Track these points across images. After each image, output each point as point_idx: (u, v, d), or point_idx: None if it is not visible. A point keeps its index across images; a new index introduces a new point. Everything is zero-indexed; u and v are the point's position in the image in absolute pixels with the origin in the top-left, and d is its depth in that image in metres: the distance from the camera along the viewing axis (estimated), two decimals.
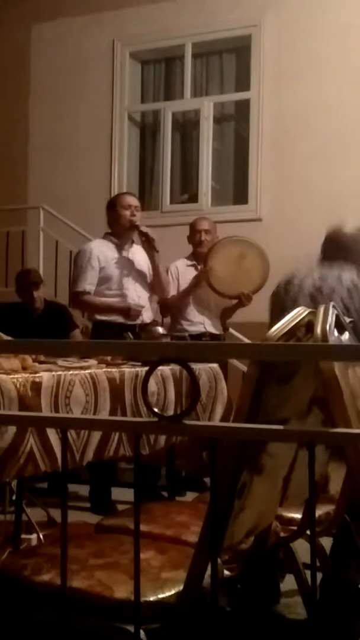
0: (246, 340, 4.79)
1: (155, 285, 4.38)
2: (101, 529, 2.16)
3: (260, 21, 6.39)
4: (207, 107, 6.78)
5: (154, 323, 4.30)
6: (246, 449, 1.44)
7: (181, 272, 4.67)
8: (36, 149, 7.13)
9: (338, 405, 1.42)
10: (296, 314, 1.54)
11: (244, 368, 4.51)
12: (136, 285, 4.27)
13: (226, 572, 1.72)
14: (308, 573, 1.92)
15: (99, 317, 4.29)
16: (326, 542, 2.25)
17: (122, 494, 3.98)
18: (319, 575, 2.08)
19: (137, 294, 4.26)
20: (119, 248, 4.29)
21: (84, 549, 1.84)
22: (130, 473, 4.29)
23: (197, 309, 4.65)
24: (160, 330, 3.46)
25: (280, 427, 1.23)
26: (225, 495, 1.42)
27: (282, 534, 1.94)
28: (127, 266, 4.27)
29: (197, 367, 2.87)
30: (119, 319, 4.18)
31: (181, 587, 1.57)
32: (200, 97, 6.88)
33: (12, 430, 1.93)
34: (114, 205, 4.33)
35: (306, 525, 1.87)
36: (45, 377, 2.10)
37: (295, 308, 1.54)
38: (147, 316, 4.27)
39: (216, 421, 2.96)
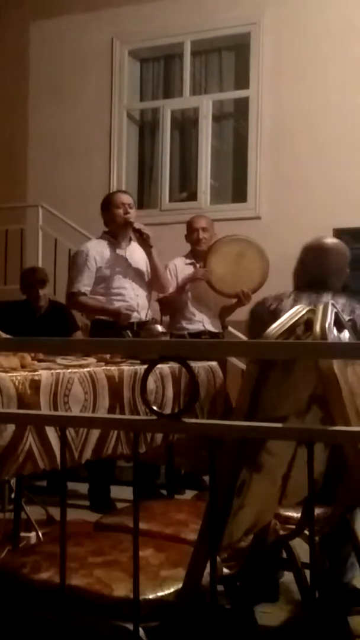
0: (245, 339, 4.79)
1: (154, 282, 4.38)
2: (100, 527, 2.16)
3: (260, 19, 6.39)
4: (206, 105, 6.78)
5: (153, 321, 4.29)
6: (245, 447, 1.44)
7: (180, 270, 4.67)
8: (35, 147, 7.13)
9: (337, 403, 1.42)
10: (295, 312, 1.54)
11: (243, 366, 4.52)
12: (133, 284, 4.27)
13: (225, 570, 1.73)
14: (307, 572, 1.92)
15: (97, 316, 4.30)
16: None
17: (121, 492, 3.98)
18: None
19: (134, 293, 4.26)
20: (116, 247, 4.29)
21: (83, 547, 1.84)
22: (129, 471, 4.30)
23: (196, 307, 4.65)
24: (160, 328, 3.45)
25: (279, 425, 1.22)
26: (224, 493, 1.42)
27: (281, 532, 1.94)
28: (125, 265, 4.26)
29: (196, 365, 2.87)
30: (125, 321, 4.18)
31: (180, 585, 1.57)
32: (199, 95, 6.88)
33: (11, 428, 1.92)
34: (107, 205, 4.33)
35: (305, 524, 1.87)
36: (44, 375, 2.10)
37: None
38: (145, 314, 4.27)
39: (215, 419, 2.96)
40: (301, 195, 6.11)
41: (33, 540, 3.01)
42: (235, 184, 6.88)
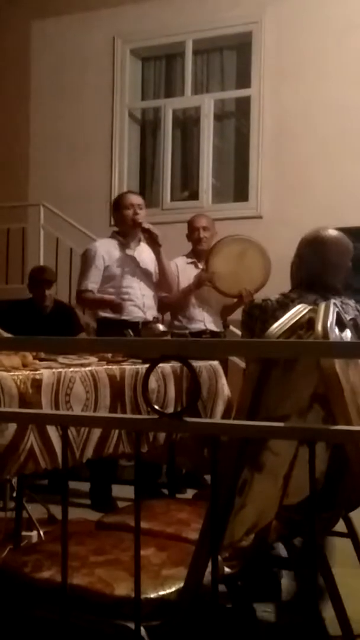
0: None
1: (161, 282, 4.40)
2: (101, 526, 2.17)
3: (261, 18, 6.38)
4: (207, 104, 6.77)
5: (155, 320, 4.30)
6: (247, 447, 1.44)
7: (181, 270, 4.67)
8: (37, 146, 7.13)
9: (339, 402, 1.42)
10: (297, 311, 1.54)
11: (245, 365, 4.52)
12: (141, 284, 4.29)
13: (226, 570, 1.73)
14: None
15: (102, 314, 4.32)
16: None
17: (123, 491, 3.98)
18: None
19: (141, 292, 4.28)
20: (125, 247, 4.32)
21: (85, 546, 1.84)
22: (130, 470, 4.30)
23: (197, 306, 4.66)
24: (161, 327, 3.45)
25: (281, 424, 1.22)
26: (226, 492, 1.42)
27: (282, 532, 1.94)
28: (133, 265, 4.29)
29: (197, 364, 2.87)
30: (122, 316, 4.20)
31: (182, 584, 1.57)
32: (200, 94, 6.87)
33: (12, 427, 1.92)
34: (117, 205, 4.37)
35: (306, 523, 1.87)
36: (46, 374, 2.10)
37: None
38: (151, 314, 4.28)
39: (217, 418, 2.96)
40: (302, 195, 6.10)
41: (34, 539, 3.01)
42: (236, 183, 6.88)
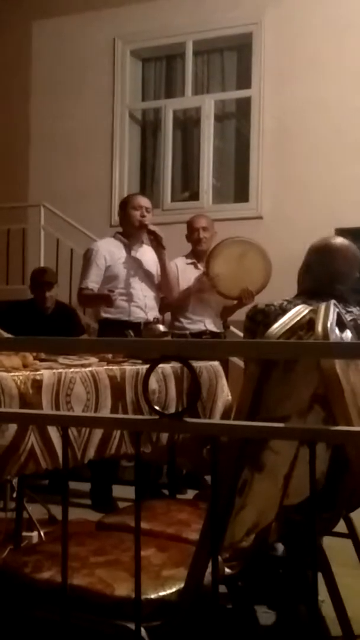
0: None
1: (163, 284, 4.41)
2: (102, 526, 2.17)
3: (261, 19, 6.38)
4: (208, 105, 6.77)
5: (155, 321, 4.30)
6: (247, 447, 1.44)
7: (181, 270, 4.68)
8: (37, 146, 7.13)
9: (339, 403, 1.42)
10: (297, 312, 1.54)
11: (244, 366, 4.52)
12: (142, 285, 4.30)
13: (227, 570, 1.73)
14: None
15: (103, 315, 4.32)
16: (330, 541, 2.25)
17: (123, 492, 3.98)
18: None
19: (143, 293, 4.29)
20: (128, 248, 4.32)
21: (85, 547, 1.84)
22: (131, 471, 4.30)
23: (197, 307, 4.66)
24: (161, 328, 3.46)
25: (281, 425, 1.22)
26: (226, 493, 1.42)
27: (283, 532, 1.94)
28: (134, 266, 4.29)
29: (197, 364, 2.87)
30: (122, 316, 4.21)
31: (182, 585, 1.57)
32: (201, 95, 6.87)
33: (13, 427, 1.93)
34: (125, 205, 4.37)
35: (307, 524, 1.87)
36: (46, 374, 2.10)
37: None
38: (152, 315, 4.28)
39: (217, 419, 2.96)
40: (303, 195, 6.11)
41: (35, 540, 3.01)
42: (237, 184, 6.88)
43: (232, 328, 5.06)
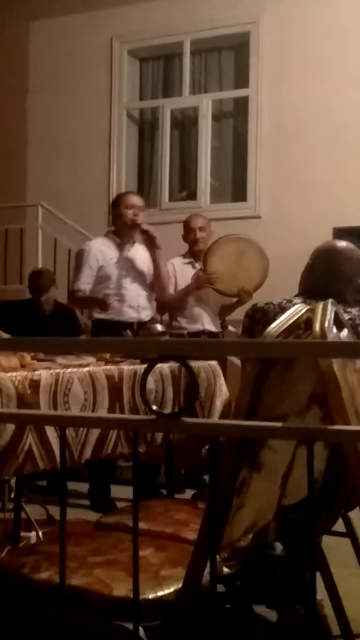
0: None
1: (155, 284, 4.38)
2: (100, 526, 2.17)
3: (259, 18, 6.38)
4: (205, 105, 6.77)
5: (153, 320, 4.30)
6: (245, 447, 1.44)
7: (179, 270, 4.67)
8: (34, 146, 7.13)
9: (336, 402, 1.42)
10: (295, 312, 1.54)
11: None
12: (135, 285, 4.26)
13: (225, 570, 1.72)
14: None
15: (96, 315, 4.30)
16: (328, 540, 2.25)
17: (121, 492, 3.98)
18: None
19: (136, 294, 4.26)
20: (120, 247, 4.28)
21: (83, 547, 1.84)
22: (129, 471, 4.30)
23: (195, 306, 4.66)
24: (159, 327, 3.45)
25: (279, 424, 1.22)
26: (224, 492, 1.42)
27: (281, 532, 1.94)
28: (127, 266, 4.26)
29: (195, 364, 2.87)
30: (115, 316, 4.19)
31: (180, 585, 1.57)
32: (198, 95, 6.87)
33: (10, 428, 1.92)
34: (117, 204, 4.33)
35: (305, 523, 1.87)
36: (44, 374, 2.10)
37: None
38: (145, 315, 4.27)
39: (215, 418, 2.96)
40: (301, 194, 6.11)
41: (33, 540, 3.01)
42: (235, 183, 6.88)
43: (230, 327, 5.06)
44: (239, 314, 4.78)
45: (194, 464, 3.85)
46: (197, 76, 6.95)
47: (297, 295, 2.57)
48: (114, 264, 4.23)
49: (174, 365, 2.61)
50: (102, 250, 4.26)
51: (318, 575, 1.84)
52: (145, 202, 4.45)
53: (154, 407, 1.15)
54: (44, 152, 7.04)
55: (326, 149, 6.05)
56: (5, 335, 2.59)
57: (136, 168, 7.25)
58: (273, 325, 1.47)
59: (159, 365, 1.33)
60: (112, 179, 6.92)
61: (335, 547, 2.21)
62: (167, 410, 2.55)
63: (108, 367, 2.44)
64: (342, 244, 2.61)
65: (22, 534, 2.94)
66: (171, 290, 4.60)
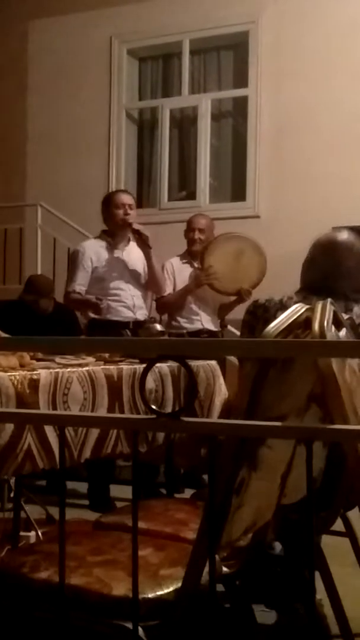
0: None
1: (150, 283, 4.38)
2: (99, 526, 2.17)
3: (258, 18, 6.38)
4: (204, 104, 6.77)
5: (152, 320, 4.30)
6: (244, 446, 1.44)
7: (177, 270, 4.67)
8: (34, 146, 7.13)
9: (336, 401, 1.42)
10: (294, 311, 1.54)
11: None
12: (129, 285, 4.26)
13: (224, 569, 1.72)
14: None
15: (92, 315, 4.30)
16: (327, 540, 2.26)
17: (121, 492, 3.98)
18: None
19: (131, 293, 4.26)
20: (114, 247, 4.28)
21: (82, 546, 1.84)
22: (128, 470, 4.30)
23: (194, 305, 4.66)
24: (158, 327, 3.45)
25: (278, 423, 1.22)
26: (223, 492, 1.42)
27: (280, 531, 1.94)
28: (121, 266, 4.26)
29: (195, 364, 2.87)
30: (110, 316, 4.19)
31: (179, 584, 1.57)
32: (198, 94, 6.87)
33: (10, 427, 1.92)
34: (107, 203, 4.32)
35: (304, 522, 1.87)
36: (43, 374, 2.10)
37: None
38: (141, 314, 4.27)
39: (214, 418, 2.96)
40: (300, 194, 6.11)
41: (32, 540, 3.00)
42: (234, 183, 6.88)
43: (229, 327, 5.06)
44: (238, 313, 4.79)
45: (193, 463, 3.86)
46: (196, 76, 6.95)
47: (298, 291, 2.55)
48: (109, 264, 4.23)
49: (174, 364, 2.61)
50: (96, 251, 4.26)
51: (317, 574, 1.84)
52: (135, 199, 4.44)
53: (154, 407, 1.15)
54: (43, 151, 7.04)
55: (325, 148, 6.05)
56: (5, 335, 2.59)
57: (135, 168, 7.25)
58: (272, 324, 1.47)
59: (158, 364, 1.34)
60: (111, 178, 6.92)
61: (334, 547, 2.21)
62: (167, 409, 2.55)
63: (107, 366, 2.44)
64: (342, 236, 2.54)
65: (22, 533, 2.94)
66: (169, 290, 4.60)
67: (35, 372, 2.10)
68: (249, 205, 6.44)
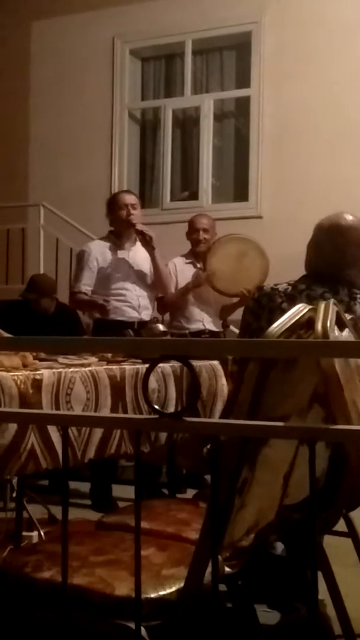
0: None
1: (156, 283, 4.39)
2: (102, 526, 2.16)
3: (261, 18, 6.38)
4: (207, 104, 6.77)
5: (155, 320, 4.30)
6: (247, 446, 1.44)
7: (180, 270, 4.68)
8: (36, 146, 7.13)
9: (338, 401, 1.42)
10: (297, 311, 1.54)
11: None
12: (135, 286, 4.28)
13: (227, 569, 1.73)
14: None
15: (98, 315, 4.32)
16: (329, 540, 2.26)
17: (123, 492, 3.98)
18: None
19: (136, 294, 4.28)
20: (119, 248, 4.31)
21: (85, 546, 1.84)
22: (130, 470, 4.30)
23: (196, 306, 4.66)
24: (161, 327, 3.45)
25: (281, 423, 1.22)
26: (226, 492, 1.42)
27: (283, 531, 1.94)
28: (127, 266, 4.28)
29: (197, 364, 2.87)
30: (115, 316, 4.20)
31: (182, 584, 1.57)
32: (200, 94, 6.88)
33: (13, 427, 1.92)
34: (112, 205, 4.35)
35: (307, 523, 1.87)
36: (46, 374, 2.10)
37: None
38: (146, 314, 4.28)
39: (216, 418, 2.96)
40: (302, 194, 6.11)
41: (35, 540, 3.01)
42: (236, 183, 6.88)
43: (231, 327, 5.06)
44: (240, 313, 4.79)
45: (193, 463, 3.86)
46: (198, 76, 6.96)
47: (304, 277, 2.49)
48: (114, 265, 4.25)
49: (176, 364, 2.61)
50: (102, 252, 4.28)
51: (320, 575, 1.84)
52: (139, 199, 4.45)
53: (156, 407, 1.15)
54: (45, 152, 7.04)
55: (328, 148, 6.06)
56: (7, 335, 2.59)
57: (138, 168, 7.25)
58: (274, 325, 1.47)
59: (160, 364, 1.34)
60: (113, 178, 6.93)
61: (336, 547, 2.21)
62: (170, 409, 2.55)
63: (110, 366, 2.44)
64: (347, 221, 2.48)
65: (24, 533, 2.94)
66: (172, 289, 4.61)
67: (38, 372, 2.10)
68: (251, 206, 6.45)
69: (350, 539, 2.31)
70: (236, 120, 6.97)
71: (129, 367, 2.47)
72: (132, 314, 4.23)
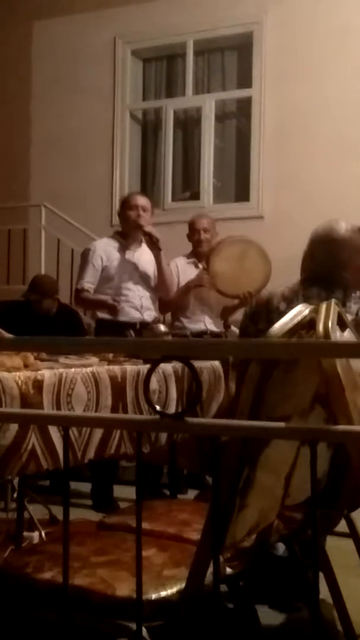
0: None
1: (159, 285, 4.40)
2: (103, 526, 2.16)
3: (262, 18, 6.38)
4: (208, 105, 6.77)
5: (156, 321, 4.30)
6: (248, 447, 1.44)
7: (181, 270, 4.68)
8: (38, 146, 7.14)
9: (340, 402, 1.42)
10: (298, 312, 1.54)
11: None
12: (138, 286, 4.29)
13: (228, 570, 1.73)
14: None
15: (100, 315, 4.32)
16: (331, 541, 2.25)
17: (124, 492, 3.98)
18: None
19: (139, 294, 4.28)
20: (125, 248, 4.32)
21: (86, 547, 1.84)
22: (131, 471, 4.30)
23: (197, 306, 4.66)
24: (162, 328, 3.45)
25: (282, 424, 1.22)
26: (227, 492, 1.42)
27: (284, 532, 1.94)
28: (131, 267, 4.29)
29: (198, 364, 2.87)
30: (119, 317, 4.21)
31: (183, 585, 1.57)
32: (202, 95, 6.88)
33: (14, 427, 1.92)
34: (123, 205, 4.38)
35: (308, 524, 1.87)
36: (47, 374, 2.10)
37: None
38: (148, 315, 4.28)
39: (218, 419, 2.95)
40: (304, 195, 6.11)
41: (36, 540, 3.01)
42: (237, 184, 6.88)
43: (232, 327, 5.06)
44: (241, 314, 4.79)
45: (194, 464, 3.86)
46: (200, 76, 6.96)
47: (301, 281, 2.57)
48: (118, 265, 4.26)
49: (178, 365, 2.62)
50: (106, 250, 4.29)
51: (321, 575, 1.84)
52: (152, 204, 4.45)
53: (158, 407, 1.15)
54: (47, 152, 7.04)
55: (329, 149, 6.05)
56: (9, 335, 2.59)
57: (139, 168, 7.25)
58: (276, 326, 1.47)
59: (162, 365, 1.33)
60: (115, 179, 6.93)
61: (338, 548, 2.21)
62: (171, 410, 2.55)
63: (111, 367, 2.44)
64: (339, 230, 2.58)
65: (25, 533, 2.94)
66: (175, 290, 4.61)
67: (39, 372, 2.10)
68: (252, 206, 6.45)
69: (351, 539, 2.31)
70: (237, 121, 6.97)
71: (130, 368, 2.47)
72: (134, 315, 4.23)
